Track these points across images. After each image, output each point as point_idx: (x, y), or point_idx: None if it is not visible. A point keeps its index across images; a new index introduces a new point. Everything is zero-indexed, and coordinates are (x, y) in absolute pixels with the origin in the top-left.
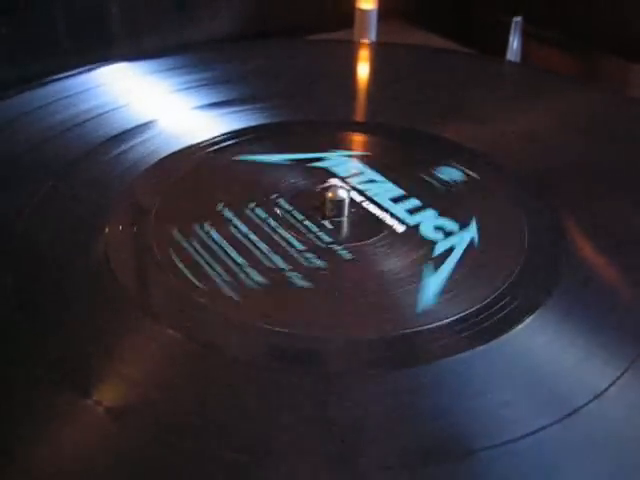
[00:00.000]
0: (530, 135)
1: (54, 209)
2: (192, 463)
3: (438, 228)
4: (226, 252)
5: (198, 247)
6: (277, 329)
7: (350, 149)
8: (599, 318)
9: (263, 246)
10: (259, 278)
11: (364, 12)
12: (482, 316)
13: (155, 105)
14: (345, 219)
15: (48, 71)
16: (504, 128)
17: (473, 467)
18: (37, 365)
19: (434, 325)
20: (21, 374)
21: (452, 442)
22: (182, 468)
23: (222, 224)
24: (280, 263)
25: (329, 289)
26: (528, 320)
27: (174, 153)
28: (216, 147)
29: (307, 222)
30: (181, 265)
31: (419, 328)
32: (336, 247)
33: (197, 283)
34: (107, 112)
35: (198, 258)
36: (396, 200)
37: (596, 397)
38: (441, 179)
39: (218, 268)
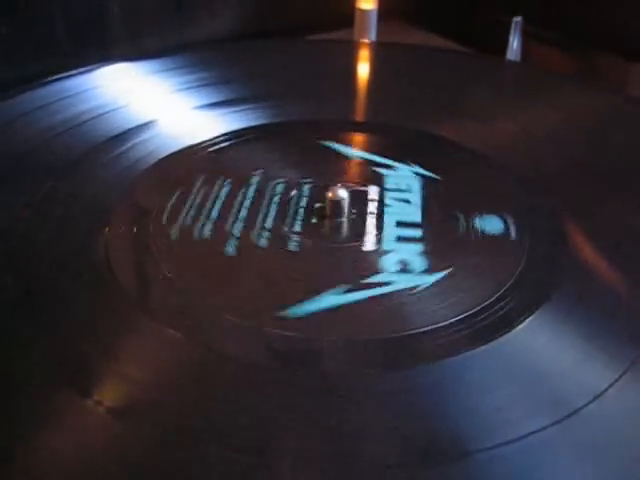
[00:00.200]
0: (530, 135)
1: (54, 209)
2: (192, 463)
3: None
4: None
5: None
6: (277, 329)
7: (422, 165)
8: (599, 319)
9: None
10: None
11: (364, 12)
12: (482, 316)
13: (155, 105)
14: (345, 219)
15: (48, 71)
16: (504, 128)
17: (473, 468)
18: (37, 365)
19: (434, 326)
20: (21, 374)
21: (452, 442)
22: (182, 468)
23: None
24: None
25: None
26: (528, 321)
27: (174, 153)
28: (216, 147)
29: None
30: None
31: (419, 329)
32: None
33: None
34: (107, 112)
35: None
36: (400, 224)
37: (596, 398)
38: (476, 228)
39: None
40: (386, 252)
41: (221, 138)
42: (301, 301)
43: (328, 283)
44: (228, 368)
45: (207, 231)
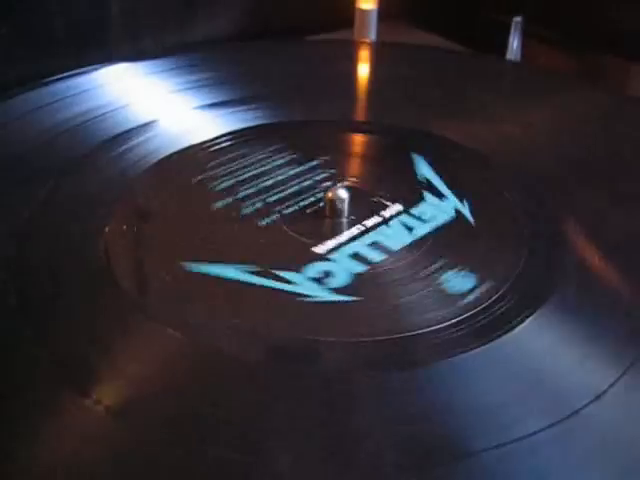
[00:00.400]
0: (530, 135)
1: (54, 209)
2: (192, 463)
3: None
4: None
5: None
6: (277, 330)
7: (470, 204)
8: (599, 319)
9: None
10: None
11: (364, 12)
12: (482, 317)
13: (155, 105)
14: (331, 219)
15: (48, 72)
16: (504, 128)
17: (472, 468)
18: (37, 365)
19: (434, 326)
20: (21, 374)
21: (452, 443)
22: (182, 467)
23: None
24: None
25: None
26: (528, 321)
27: (174, 153)
28: (216, 147)
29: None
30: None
31: (419, 329)
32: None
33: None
34: (107, 112)
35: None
36: (374, 244)
37: (596, 398)
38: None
39: None
40: (326, 260)
41: (221, 138)
42: (205, 261)
43: (242, 258)
44: (228, 368)
45: None
